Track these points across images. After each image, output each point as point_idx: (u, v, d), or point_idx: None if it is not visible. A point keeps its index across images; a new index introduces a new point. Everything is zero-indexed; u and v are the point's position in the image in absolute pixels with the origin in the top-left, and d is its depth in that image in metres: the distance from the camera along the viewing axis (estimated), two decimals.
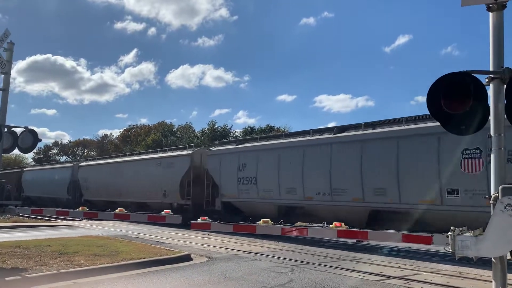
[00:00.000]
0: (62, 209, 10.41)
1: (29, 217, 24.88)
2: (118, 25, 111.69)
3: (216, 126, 49.90)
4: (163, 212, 7.13)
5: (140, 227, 21.17)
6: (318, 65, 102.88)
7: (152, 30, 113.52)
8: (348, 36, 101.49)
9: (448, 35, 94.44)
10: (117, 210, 7.80)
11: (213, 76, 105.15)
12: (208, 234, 17.79)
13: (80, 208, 7.68)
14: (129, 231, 19.11)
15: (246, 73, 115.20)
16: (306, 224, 15.53)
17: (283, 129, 58.13)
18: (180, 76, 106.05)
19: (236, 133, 54.21)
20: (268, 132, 56.79)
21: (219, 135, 45.63)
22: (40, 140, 10.16)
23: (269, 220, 6.07)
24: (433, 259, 12.70)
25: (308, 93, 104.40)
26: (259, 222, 6.14)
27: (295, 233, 5.78)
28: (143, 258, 10.48)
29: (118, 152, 53.18)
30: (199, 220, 6.53)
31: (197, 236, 17.46)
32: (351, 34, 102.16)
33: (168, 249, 12.48)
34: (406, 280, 9.31)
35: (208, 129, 50.03)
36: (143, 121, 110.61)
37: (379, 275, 9.91)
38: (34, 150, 76.48)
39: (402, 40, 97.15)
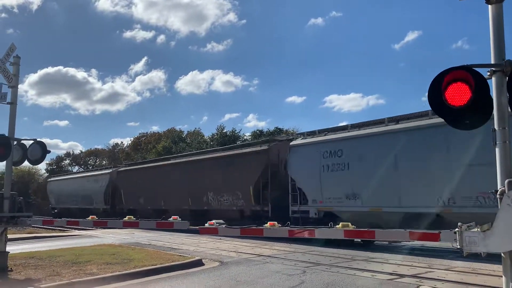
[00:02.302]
0: (73, 219, 10.48)
1: (43, 228, 25.22)
2: (127, 34, 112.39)
3: (225, 131, 49.97)
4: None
5: (153, 234, 21.28)
6: (328, 65, 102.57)
7: (161, 38, 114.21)
8: (356, 34, 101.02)
9: (457, 29, 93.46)
10: (126, 218, 7.85)
11: (222, 81, 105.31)
12: (220, 239, 17.81)
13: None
14: (141, 238, 19.22)
15: (255, 76, 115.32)
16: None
17: (292, 131, 58.07)
18: (190, 82, 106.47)
19: (245, 137, 54.26)
20: (276, 134, 56.68)
21: (228, 139, 45.67)
22: (49, 152, 10.27)
23: (275, 222, 6.07)
24: (447, 256, 12.56)
25: (318, 93, 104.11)
26: (265, 224, 6.14)
27: (301, 235, 5.76)
28: (155, 265, 10.54)
29: (129, 160, 53.52)
30: (206, 225, 6.56)
31: (209, 241, 17.49)
32: (360, 32, 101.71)
33: (180, 255, 12.52)
34: (419, 278, 9.23)
35: (217, 134, 50.13)
36: (154, 128, 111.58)
37: (391, 274, 9.83)
38: (46, 161, 77.44)
39: (411, 36, 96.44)
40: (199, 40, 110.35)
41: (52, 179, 47.93)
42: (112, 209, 32.14)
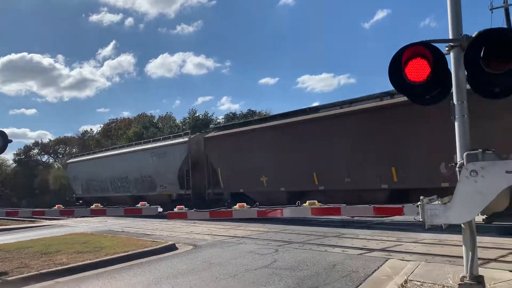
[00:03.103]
0: (38, 209, 10.23)
1: (13, 219, 24.57)
2: (94, 18, 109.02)
3: (197, 114, 49.55)
4: (139, 205, 7.05)
5: (126, 221, 21.06)
6: (299, 46, 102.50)
7: (130, 21, 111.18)
8: (327, 14, 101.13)
9: (425, 7, 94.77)
10: (93, 206, 7.70)
11: (194, 63, 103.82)
12: (195, 223, 17.81)
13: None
14: (114, 226, 18.99)
15: (228, 58, 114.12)
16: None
17: (264, 113, 58.08)
18: (160, 66, 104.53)
19: (218, 120, 53.96)
20: (250, 117, 56.50)
21: (200, 123, 45.34)
22: (11, 141, 9.87)
23: (244, 204, 6.08)
24: (415, 229, 12.93)
25: (291, 74, 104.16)
26: (235, 206, 6.14)
27: (270, 214, 5.80)
28: (127, 252, 10.44)
29: (100, 147, 52.50)
30: (175, 209, 6.50)
31: (183, 225, 17.47)
32: (330, 12, 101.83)
33: (153, 241, 12.44)
34: (388, 252, 9.49)
35: (189, 117, 49.65)
36: (125, 114, 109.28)
37: (361, 248, 10.07)
38: (14, 152, 75.16)
39: (381, 15, 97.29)
40: (169, 22, 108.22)
41: (74, 159, 37.11)
42: (197, 195, 22.41)
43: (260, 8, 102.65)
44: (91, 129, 76.29)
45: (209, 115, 49.99)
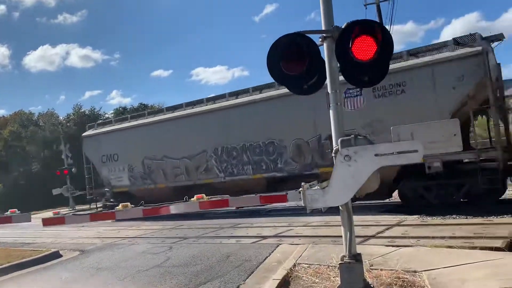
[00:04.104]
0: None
1: None
2: None
3: (82, 110, 46.35)
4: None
5: (2, 230, 18.93)
6: (192, 38, 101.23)
7: (1, 9, 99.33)
8: (218, 7, 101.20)
9: (310, 2, 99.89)
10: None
11: (79, 55, 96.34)
12: (83, 226, 16.65)
13: None
14: None
15: (117, 50, 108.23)
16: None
17: (157, 106, 56.50)
18: (41, 58, 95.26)
19: (107, 115, 51.15)
20: (141, 111, 54.52)
21: (87, 119, 42.48)
22: None
23: (128, 204, 5.75)
24: (306, 213, 13.56)
25: (185, 66, 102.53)
26: (117, 207, 5.78)
27: (156, 213, 5.56)
28: (2, 265, 9.36)
29: None
30: (50, 214, 5.92)
31: (70, 229, 16.21)
32: (221, 4, 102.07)
33: (33, 250, 11.34)
34: (280, 238, 9.80)
35: (73, 113, 46.24)
36: (1, 112, 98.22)
37: (255, 237, 10.27)
38: None
39: (269, 8, 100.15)
40: (49, 11, 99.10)
41: (103, 129, 21.51)
42: None
43: None
44: None
45: (96, 110, 47.12)
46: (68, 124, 43.31)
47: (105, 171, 20.30)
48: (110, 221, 15.52)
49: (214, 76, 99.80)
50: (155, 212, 5.65)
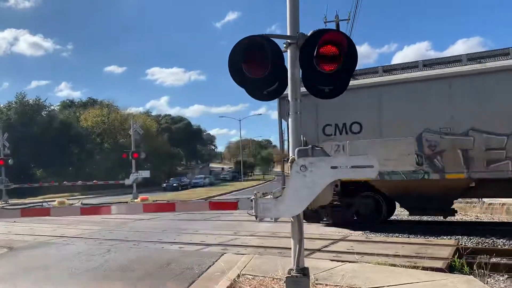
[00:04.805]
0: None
1: None
2: None
3: (26, 99, 43.87)
4: None
5: None
6: (151, 37, 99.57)
7: None
8: (180, 8, 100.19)
9: (272, 14, 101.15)
10: None
11: (29, 42, 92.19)
12: (15, 221, 15.54)
13: None
14: None
15: (70, 40, 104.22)
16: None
17: (107, 102, 54.68)
18: None
19: (53, 107, 48.86)
20: (89, 106, 52.81)
21: (30, 109, 40.29)
22: None
23: (65, 200, 5.30)
24: (253, 221, 13.39)
25: (140, 65, 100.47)
26: (53, 203, 5.33)
27: (94, 213, 5.16)
28: None
29: None
30: None
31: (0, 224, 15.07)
32: (184, 6, 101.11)
33: None
34: (224, 246, 9.54)
35: (15, 102, 43.63)
36: None
37: (199, 244, 9.94)
38: None
39: (232, 16, 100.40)
40: None
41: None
42: None
43: None
44: None
45: (41, 101, 44.77)
46: (8, 113, 40.78)
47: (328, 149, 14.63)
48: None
49: (170, 77, 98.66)
50: (94, 211, 5.25)
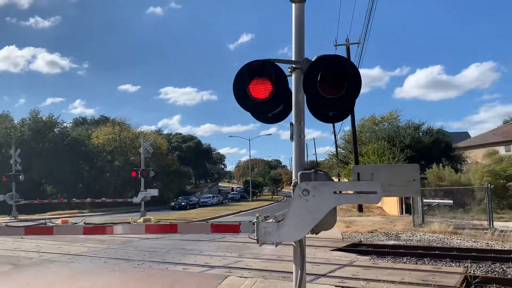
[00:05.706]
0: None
1: None
2: None
3: (40, 116, 44.51)
4: None
5: None
6: (165, 57, 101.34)
7: None
8: (195, 30, 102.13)
9: (284, 37, 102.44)
10: None
11: (46, 60, 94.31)
12: (22, 237, 15.60)
13: None
14: None
15: (86, 59, 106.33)
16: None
17: (119, 120, 55.34)
18: (4, 59, 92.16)
19: (65, 124, 49.51)
20: (101, 124, 53.32)
21: (43, 126, 40.86)
22: None
23: (68, 219, 5.33)
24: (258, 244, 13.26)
25: (154, 84, 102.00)
26: (57, 221, 5.35)
27: (97, 232, 5.16)
28: None
29: None
30: None
31: (8, 240, 15.13)
32: (198, 28, 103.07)
33: None
34: (228, 268, 9.43)
35: (29, 119, 44.30)
36: None
37: (203, 266, 9.85)
38: None
39: (245, 38, 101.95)
40: (20, 12, 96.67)
41: None
42: None
43: (126, 12, 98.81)
44: None
45: (54, 118, 45.40)
46: (22, 129, 41.38)
47: None
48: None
49: (183, 97, 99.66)
50: (97, 231, 5.25)
